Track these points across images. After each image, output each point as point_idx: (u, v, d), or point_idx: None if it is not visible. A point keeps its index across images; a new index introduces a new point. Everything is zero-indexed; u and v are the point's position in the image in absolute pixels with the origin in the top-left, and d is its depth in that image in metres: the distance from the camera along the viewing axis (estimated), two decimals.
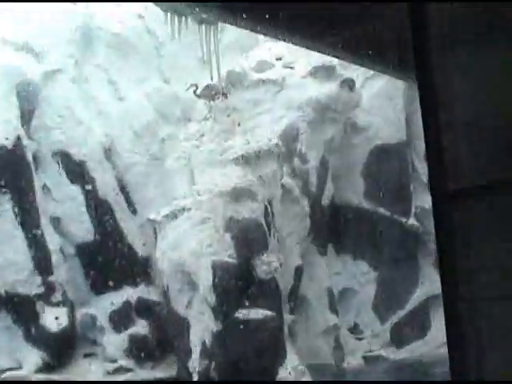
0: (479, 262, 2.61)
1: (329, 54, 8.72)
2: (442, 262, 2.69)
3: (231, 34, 14.93)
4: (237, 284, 13.07)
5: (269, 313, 13.16)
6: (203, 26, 7.01)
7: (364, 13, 6.10)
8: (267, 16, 5.64)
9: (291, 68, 15.23)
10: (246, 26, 6.24)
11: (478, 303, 2.63)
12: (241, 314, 13.01)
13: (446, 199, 2.65)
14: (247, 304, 13.11)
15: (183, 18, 6.59)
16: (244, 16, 5.49)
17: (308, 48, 7.71)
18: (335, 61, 14.13)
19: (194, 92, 15.09)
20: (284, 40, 7.10)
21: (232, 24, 6.31)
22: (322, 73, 14.99)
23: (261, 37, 13.42)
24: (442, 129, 2.67)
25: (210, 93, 15.02)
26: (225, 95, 15.00)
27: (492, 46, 2.64)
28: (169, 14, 6.49)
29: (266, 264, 13.28)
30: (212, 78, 14.79)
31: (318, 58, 14.40)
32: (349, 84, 15.14)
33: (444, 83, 2.69)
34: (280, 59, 15.42)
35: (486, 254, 2.59)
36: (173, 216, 13.68)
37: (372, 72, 14.79)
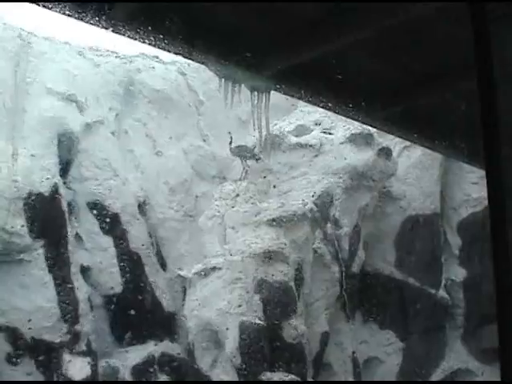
0: None
1: (376, 128, 8.70)
2: (503, 351, 2.70)
3: (271, 96, 15.03)
4: (263, 346, 13.02)
5: (293, 377, 13.08)
6: (255, 93, 7.06)
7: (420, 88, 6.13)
8: (323, 90, 5.73)
9: (329, 133, 15.29)
10: (301, 97, 6.32)
11: None
12: (265, 376, 12.94)
13: (510, 292, 2.66)
14: (272, 367, 13.04)
15: (237, 86, 6.66)
16: (300, 88, 5.58)
17: (355, 120, 7.73)
18: (373, 129, 14.18)
19: (231, 150, 15.21)
20: (335, 112, 7.14)
21: (287, 94, 6.41)
22: (360, 140, 15.03)
23: (300, 101, 13.49)
24: (508, 220, 2.69)
25: (242, 153, 15.13)
26: (255, 156, 15.03)
27: None
28: (223, 80, 6.57)
29: (294, 328, 13.25)
30: (250, 140, 14.89)
31: (356, 125, 14.46)
32: (386, 153, 15.17)
33: None
34: (318, 124, 15.50)
35: None
36: (204, 274, 13.70)
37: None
